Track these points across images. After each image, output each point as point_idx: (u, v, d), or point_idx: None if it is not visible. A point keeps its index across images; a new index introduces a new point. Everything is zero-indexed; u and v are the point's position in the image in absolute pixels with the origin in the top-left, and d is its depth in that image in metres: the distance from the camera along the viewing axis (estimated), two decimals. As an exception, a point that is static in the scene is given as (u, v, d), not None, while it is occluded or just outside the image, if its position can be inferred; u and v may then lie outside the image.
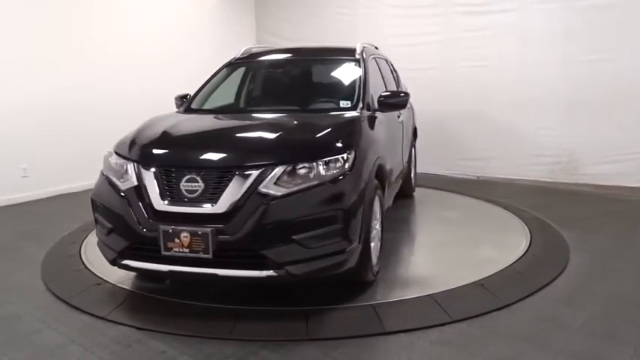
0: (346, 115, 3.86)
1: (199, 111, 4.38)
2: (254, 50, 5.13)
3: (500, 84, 7.11)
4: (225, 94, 4.80)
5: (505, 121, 7.20)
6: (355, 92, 4.15)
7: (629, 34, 6.27)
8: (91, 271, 3.96)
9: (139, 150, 3.40)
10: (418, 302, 3.38)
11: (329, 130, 3.49)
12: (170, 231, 3.03)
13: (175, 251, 3.03)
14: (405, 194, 6.12)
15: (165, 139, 3.51)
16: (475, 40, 7.20)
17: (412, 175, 6.25)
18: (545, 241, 4.52)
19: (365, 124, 3.75)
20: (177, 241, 3.01)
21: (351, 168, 3.22)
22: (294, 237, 2.97)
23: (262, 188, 3.02)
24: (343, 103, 4.10)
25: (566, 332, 2.98)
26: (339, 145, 3.30)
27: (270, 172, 3.06)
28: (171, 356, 2.79)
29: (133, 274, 3.77)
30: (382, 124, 4.15)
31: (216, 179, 3.08)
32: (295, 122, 3.74)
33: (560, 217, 5.19)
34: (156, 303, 3.43)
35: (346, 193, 3.13)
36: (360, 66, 4.40)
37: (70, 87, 6.64)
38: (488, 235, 4.83)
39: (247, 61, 4.96)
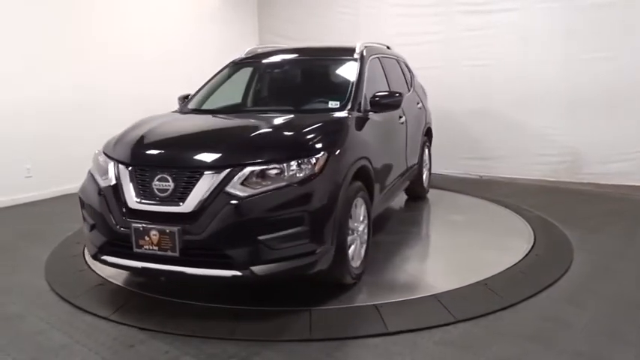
0: (329, 116, 3.82)
1: (194, 111, 4.44)
2: (258, 51, 5.14)
3: (502, 83, 7.10)
4: (225, 95, 4.81)
5: (508, 121, 7.19)
6: (347, 93, 4.11)
7: (630, 33, 6.26)
8: (94, 272, 3.96)
9: (120, 149, 3.50)
10: (421, 302, 3.38)
11: (302, 131, 3.49)
12: (141, 229, 3.11)
13: (146, 248, 3.11)
14: (417, 196, 6.04)
15: (144, 139, 3.56)
16: (477, 39, 7.19)
17: (424, 176, 6.11)
18: (548, 241, 4.51)
19: (348, 125, 3.72)
20: (147, 238, 3.09)
21: (321, 170, 3.19)
22: (259, 238, 2.99)
23: (229, 189, 3.05)
24: (332, 104, 4.07)
25: (569, 332, 2.98)
26: (309, 146, 3.29)
27: (238, 173, 3.08)
28: (173, 356, 2.79)
29: (135, 274, 3.78)
30: (375, 125, 4.11)
31: (186, 179, 3.13)
32: (274, 123, 3.72)
33: (563, 217, 5.18)
34: (158, 303, 3.44)
35: (314, 195, 3.13)
36: (356, 66, 4.36)
37: (73, 87, 6.65)
38: (491, 235, 4.82)
39: (248, 62, 4.99)
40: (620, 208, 5.69)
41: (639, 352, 2.77)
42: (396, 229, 5.01)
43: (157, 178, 3.17)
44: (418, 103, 5.80)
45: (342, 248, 3.35)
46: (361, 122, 3.91)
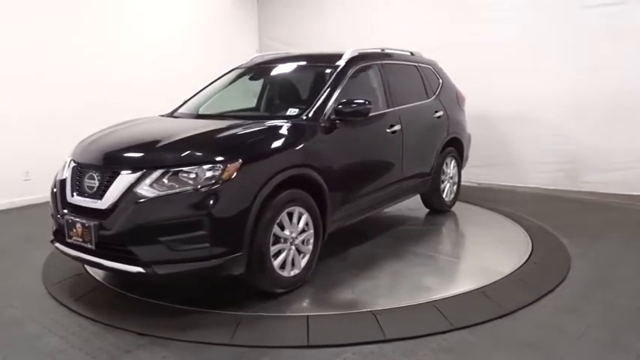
0: (269, 124, 3.78)
1: (174, 116, 4.66)
2: (258, 59, 5.20)
3: (503, 91, 7.09)
4: (219, 101, 4.86)
5: (507, 128, 7.19)
6: (312, 101, 4.07)
7: (632, 42, 6.26)
8: (92, 276, 3.97)
9: (76, 148, 3.86)
10: (419, 309, 3.37)
11: (222, 137, 3.60)
12: (70, 221, 3.42)
13: (74, 239, 3.40)
14: (436, 209, 5.84)
15: (96, 140, 3.84)
16: (478, 47, 7.19)
17: (446, 189, 5.78)
18: (546, 249, 4.51)
19: (283, 133, 3.68)
20: (74, 230, 3.39)
21: (231, 176, 3.21)
22: (160, 238, 3.10)
23: (138, 189, 3.19)
24: (291, 111, 4.07)
25: (568, 340, 2.97)
26: (223, 153, 3.29)
27: (149, 175, 3.20)
28: (171, 362, 2.79)
29: (133, 279, 3.77)
30: (342, 133, 4.03)
31: (108, 178, 3.34)
32: (206, 129, 3.76)
33: (561, 225, 5.18)
34: (157, 308, 3.43)
35: (220, 200, 3.15)
36: (333, 74, 4.30)
37: (73, 91, 6.67)
38: (489, 243, 4.82)
39: (244, 70, 5.06)
40: (618, 217, 5.70)
41: (638, 359, 2.77)
42: (393, 235, 5.00)
43: (87, 175, 3.46)
44: (437, 112, 5.52)
45: (260, 255, 3.35)
46: (319, 130, 3.89)
